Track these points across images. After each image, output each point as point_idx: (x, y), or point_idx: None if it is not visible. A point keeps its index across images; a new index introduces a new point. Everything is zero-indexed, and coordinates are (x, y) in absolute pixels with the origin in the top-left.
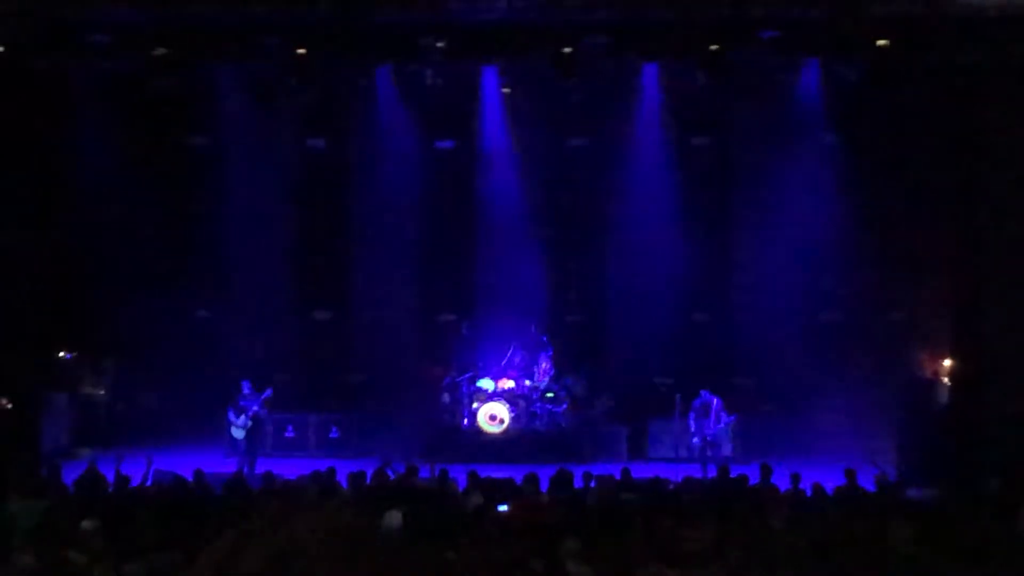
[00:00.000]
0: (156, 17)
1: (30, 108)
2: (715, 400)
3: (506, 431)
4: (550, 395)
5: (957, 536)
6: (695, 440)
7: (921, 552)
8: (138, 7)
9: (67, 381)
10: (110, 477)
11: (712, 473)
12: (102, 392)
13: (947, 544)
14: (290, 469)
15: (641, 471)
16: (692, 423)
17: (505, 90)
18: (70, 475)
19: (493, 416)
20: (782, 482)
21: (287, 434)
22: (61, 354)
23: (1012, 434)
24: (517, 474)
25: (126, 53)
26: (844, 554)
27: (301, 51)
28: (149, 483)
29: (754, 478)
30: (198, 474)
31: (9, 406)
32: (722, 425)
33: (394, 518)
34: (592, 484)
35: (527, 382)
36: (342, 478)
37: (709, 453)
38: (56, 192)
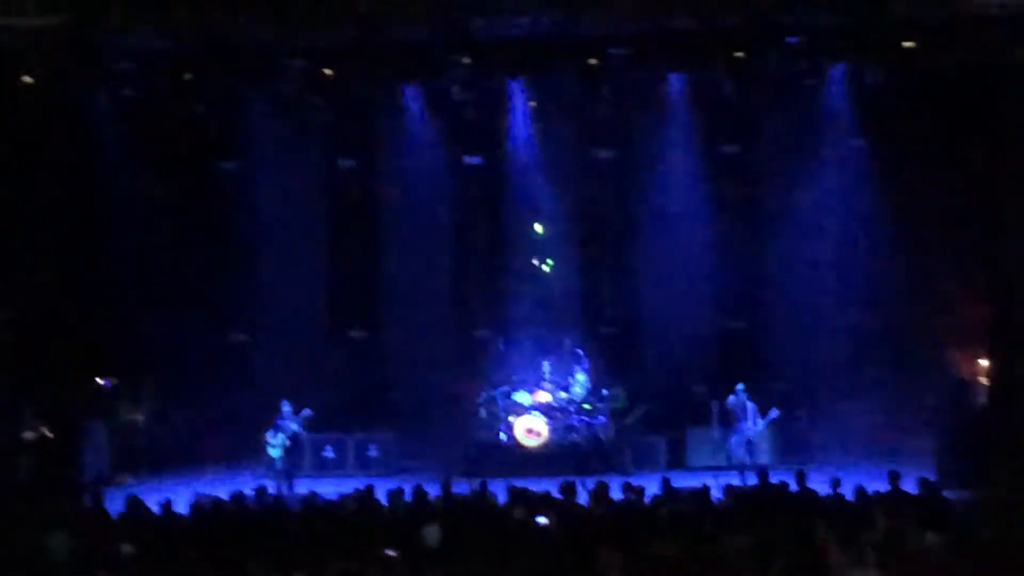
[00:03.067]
0: (182, 43)
1: (62, 136)
2: (751, 404)
3: (544, 444)
4: (587, 407)
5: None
6: (735, 439)
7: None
8: (165, 33)
9: (106, 408)
10: (153, 503)
11: (751, 480)
12: (141, 417)
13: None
14: (330, 488)
15: (681, 480)
16: (738, 419)
17: (532, 104)
18: (112, 502)
19: (530, 429)
20: (822, 487)
21: (325, 454)
22: (99, 381)
23: None
24: (555, 487)
25: (154, 79)
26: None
27: (327, 72)
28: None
29: (792, 484)
30: (237, 497)
31: (50, 435)
32: (762, 425)
33: (432, 534)
34: (630, 495)
35: (563, 394)
36: (381, 496)
37: (749, 459)
38: (90, 219)
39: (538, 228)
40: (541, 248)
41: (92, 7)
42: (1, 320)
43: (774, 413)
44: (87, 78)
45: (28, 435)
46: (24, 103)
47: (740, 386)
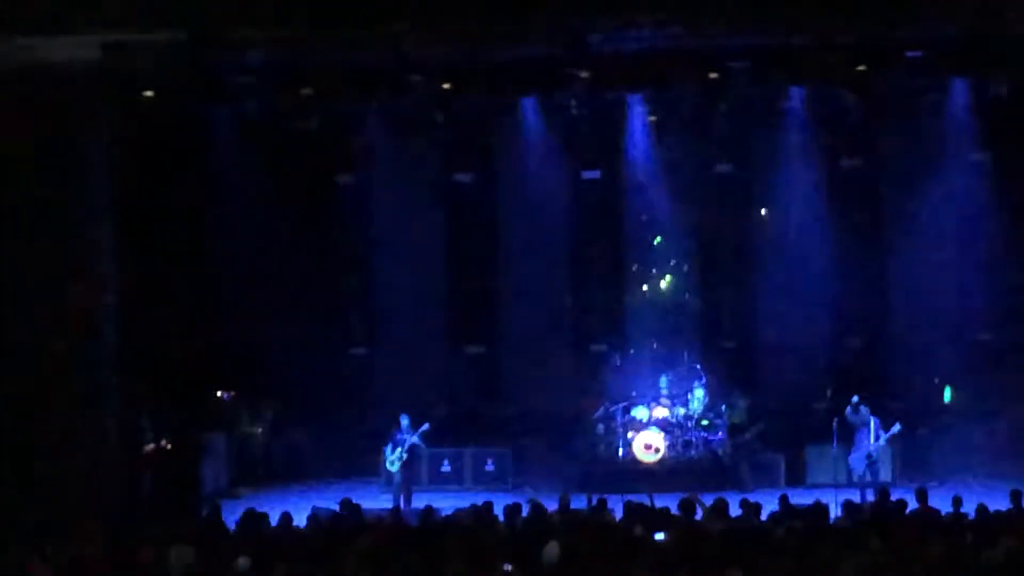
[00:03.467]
0: (300, 58)
1: (182, 151)
2: (874, 419)
3: (662, 460)
4: (705, 423)
5: None
6: (855, 456)
7: None
8: (283, 48)
9: (225, 421)
10: (271, 516)
11: (871, 497)
12: (260, 431)
13: None
14: (447, 503)
15: (800, 497)
16: (859, 435)
17: (651, 118)
18: (230, 515)
19: (648, 445)
20: (943, 505)
21: (443, 468)
22: (219, 394)
23: None
24: (674, 503)
25: (272, 94)
26: None
27: (446, 86)
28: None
29: (912, 502)
30: (346, 504)
31: (169, 447)
32: (885, 439)
33: (552, 550)
34: (747, 512)
35: (681, 410)
36: (499, 511)
37: (869, 476)
38: (209, 234)
39: (658, 240)
40: (659, 263)
41: (212, 22)
42: (123, 334)
43: (896, 428)
44: (206, 93)
45: (148, 448)
46: (144, 118)
47: (855, 398)
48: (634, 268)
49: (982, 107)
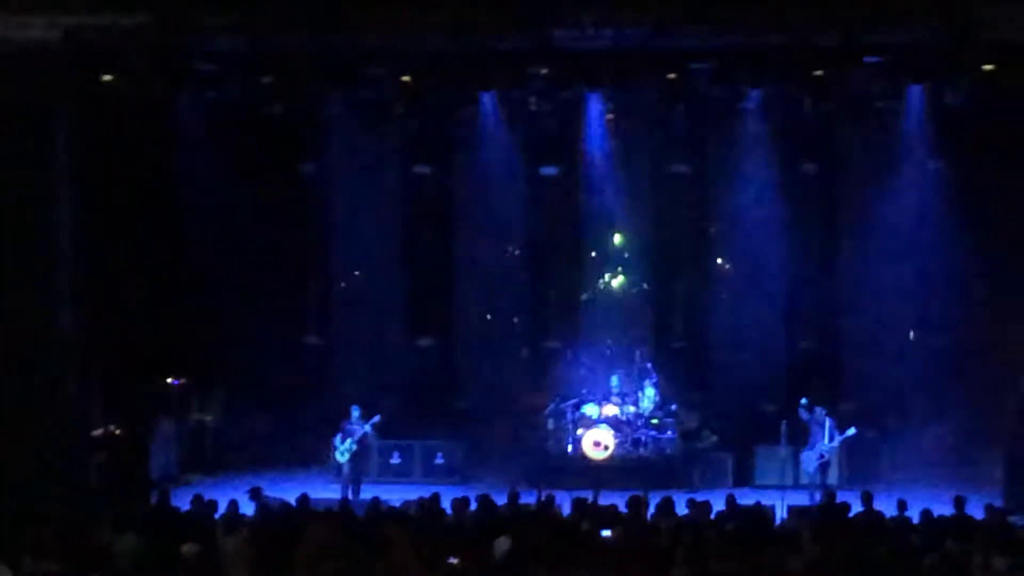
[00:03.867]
0: (264, 46)
1: (140, 137)
2: (829, 419)
3: (611, 457)
4: (655, 421)
5: None
6: (806, 456)
7: None
8: (246, 36)
9: (176, 407)
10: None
11: (819, 499)
12: (210, 418)
13: None
14: (396, 495)
15: (747, 498)
16: (812, 436)
17: (609, 116)
18: (179, 501)
19: (598, 442)
20: (888, 509)
21: (393, 460)
22: (170, 380)
23: None
24: (622, 500)
25: (234, 81)
26: None
27: (406, 78)
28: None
29: (858, 505)
30: (302, 499)
31: (118, 432)
32: (839, 441)
33: (503, 543)
34: (695, 511)
35: (631, 408)
36: (446, 504)
37: (820, 477)
38: (166, 220)
39: (617, 238)
40: (614, 261)
41: (174, 7)
42: (76, 319)
43: (852, 431)
44: (168, 78)
45: (97, 433)
46: (107, 102)
47: (804, 400)
48: (589, 266)
49: (938, 114)
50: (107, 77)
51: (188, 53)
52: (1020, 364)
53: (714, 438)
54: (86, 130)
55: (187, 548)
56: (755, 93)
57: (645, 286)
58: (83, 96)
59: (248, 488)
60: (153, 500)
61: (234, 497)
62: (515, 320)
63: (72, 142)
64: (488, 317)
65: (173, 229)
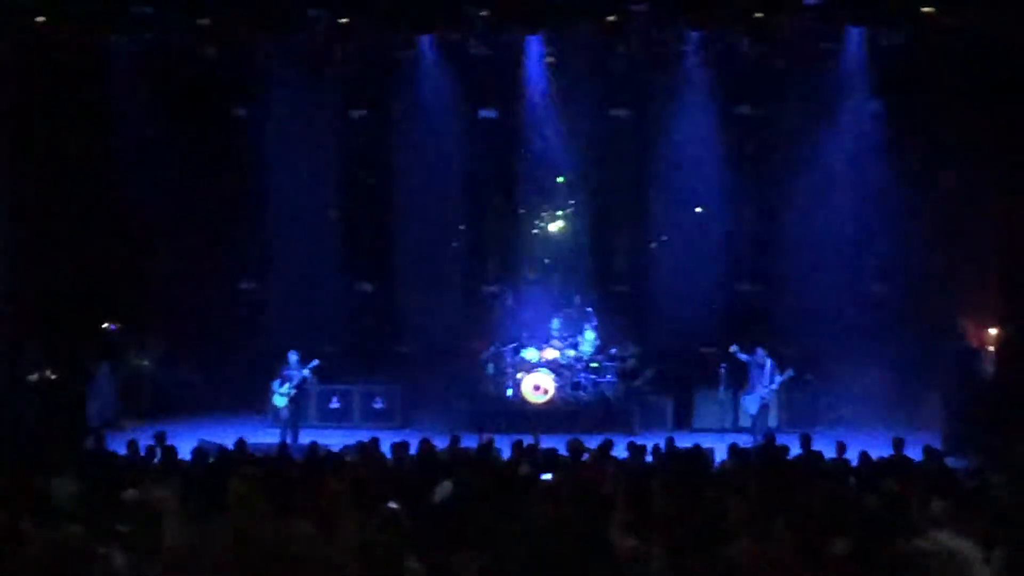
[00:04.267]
0: None
1: (74, 81)
2: (769, 360)
3: (550, 401)
4: (595, 365)
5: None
6: (753, 397)
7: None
8: None
9: (113, 352)
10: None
11: (759, 442)
12: (147, 363)
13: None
14: (334, 440)
15: (686, 441)
16: (753, 378)
17: (549, 59)
18: (115, 446)
19: (537, 386)
20: (828, 451)
21: (331, 405)
22: (106, 325)
23: None
24: (562, 444)
25: (170, 24)
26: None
27: (344, 20)
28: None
29: (796, 448)
30: (240, 443)
31: (54, 377)
32: (778, 383)
33: (443, 488)
34: (634, 454)
35: (571, 352)
36: (386, 449)
37: (761, 419)
38: (101, 165)
39: (557, 181)
40: (554, 204)
41: None
42: (9, 264)
43: (790, 373)
44: (102, 21)
45: (32, 378)
46: (38, 44)
47: (735, 347)
48: (528, 209)
49: (877, 57)
50: (40, 19)
51: None
52: (960, 307)
53: (652, 371)
54: (15, 73)
55: (129, 494)
56: (694, 35)
57: (583, 231)
58: (13, 39)
59: (154, 433)
60: (89, 445)
61: (171, 443)
62: (452, 263)
63: (2, 85)
64: (427, 261)
65: (108, 174)
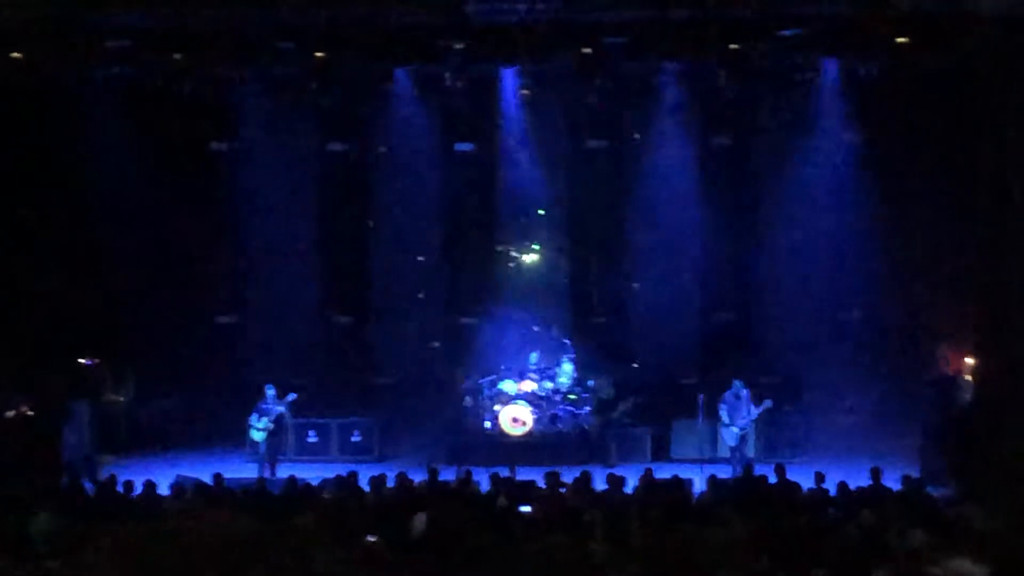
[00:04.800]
0: (175, 22)
1: (51, 114)
2: (745, 391)
3: (529, 433)
4: (572, 397)
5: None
6: (732, 430)
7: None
8: (157, 13)
9: (89, 388)
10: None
11: (738, 472)
12: (123, 399)
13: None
14: (312, 473)
15: (665, 472)
16: (725, 415)
17: (525, 91)
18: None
19: (515, 418)
20: (806, 482)
21: (309, 438)
22: (82, 361)
23: None
24: (540, 476)
25: (145, 58)
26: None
27: (320, 54)
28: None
29: (772, 477)
30: (217, 478)
31: (30, 413)
32: (756, 414)
33: (421, 520)
34: (612, 486)
35: (549, 384)
36: (364, 482)
37: (740, 450)
38: (78, 199)
39: (534, 214)
40: (532, 236)
41: None
42: None
43: (767, 403)
44: (79, 56)
45: (8, 414)
46: (13, 79)
47: (738, 381)
48: (506, 241)
49: (853, 89)
50: (16, 55)
51: (99, 30)
52: (936, 336)
53: (630, 402)
54: None
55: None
56: (670, 67)
57: (562, 261)
58: None
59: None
60: (64, 482)
61: (148, 478)
62: (429, 296)
63: None
64: (404, 294)
65: (86, 209)
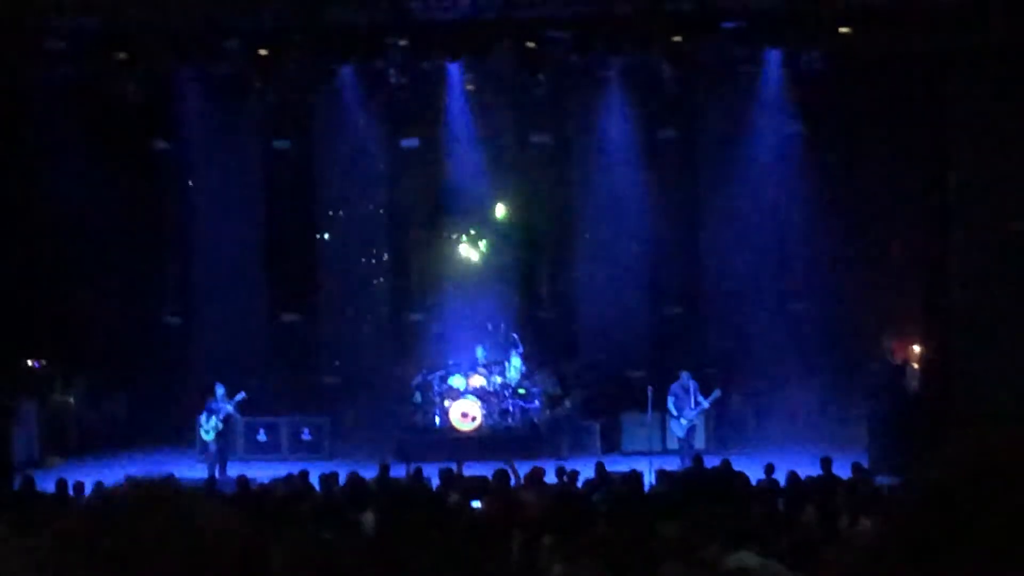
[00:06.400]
0: (115, 22)
1: None
2: (693, 383)
3: (479, 428)
4: (522, 391)
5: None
6: (681, 421)
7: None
8: (96, 13)
9: (37, 390)
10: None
11: (687, 464)
12: (72, 400)
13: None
14: (263, 472)
15: (615, 465)
16: (673, 407)
17: (469, 87)
18: (42, 485)
19: (465, 414)
20: (755, 473)
21: (259, 437)
22: (30, 362)
23: (981, 418)
24: (491, 471)
25: (86, 59)
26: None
27: (263, 52)
28: None
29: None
30: (169, 479)
31: None
32: (704, 405)
33: (368, 519)
34: (564, 480)
35: (498, 379)
36: (314, 480)
37: (689, 442)
38: (21, 200)
39: (480, 209)
40: (478, 231)
41: None
42: None
43: (716, 393)
44: (19, 57)
45: None
46: None
47: (685, 373)
48: (452, 236)
49: (796, 80)
50: None
51: (40, 30)
52: (883, 325)
53: (573, 401)
54: None
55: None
56: (614, 61)
57: (509, 256)
58: None
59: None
60: (17, 484)
61: (99, 480)
62: (376, 293)
63: None
64: (351, 291)
65: (28, 209)
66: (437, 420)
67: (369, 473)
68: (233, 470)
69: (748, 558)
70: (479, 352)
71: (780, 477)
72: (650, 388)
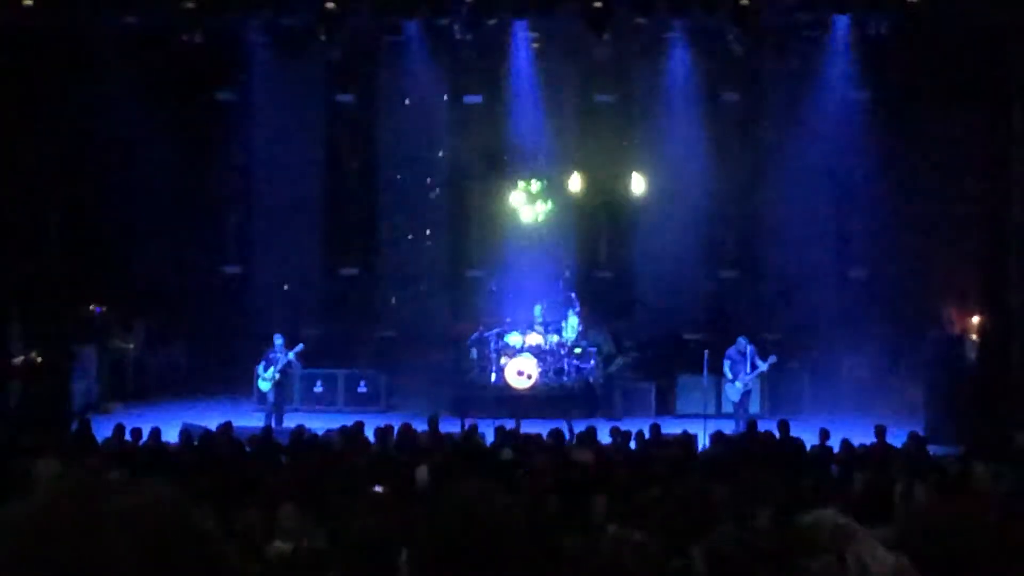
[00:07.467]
0: None
1: (58, 64)
2: (750, 347)
3: (533, 386)
4: (578, 350)
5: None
6: (736, 385)
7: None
8: None
9: (97, 335)
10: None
11: (741, 428)
12: (132, 346)
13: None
14: (318, 423)
15: (669, 427)
16: (728, 371)
17: (535, 45)
18: (100, 429)
19: (521, 371)
20: (810, 439)
21: (316, 388)
22: (91, 308)
23: None
24: (545, 429)
25: (153, 5)
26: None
27: (330, 5)
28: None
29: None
30: (226, 428)
31: (39, 360)
32: (760, 369)
33: (422, 473)
34: (617, 439)
35: (554, 338)
36: (369, 432)
37: (744, 406)
38: (86, 148)
39: (542, 167)
40: (539, 190)
41: None
42: None
43: (772, 359)
44: (87, 3)
45: (17, 360)
46: (24, 27)
47: (742, 338)
48: (512, 194)
49: (862, 45)
50: (26, 2)
51: None
52: (942, 294)
53: (632, 356)
54: (4, 55)
55: (114, 475)
56: (680, 23)
57: (570, 216)
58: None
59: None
60: (73, 428)
61: (156, 426)
62: (436, 249)
63: None
64: (411, 246)
65: (93, 158)
66: (493, 377)
67: (423, 427)
68: (290, 420)
69: (826, 516)
70: (537, 310)
71: (834, 444)
72: (706, 351)
